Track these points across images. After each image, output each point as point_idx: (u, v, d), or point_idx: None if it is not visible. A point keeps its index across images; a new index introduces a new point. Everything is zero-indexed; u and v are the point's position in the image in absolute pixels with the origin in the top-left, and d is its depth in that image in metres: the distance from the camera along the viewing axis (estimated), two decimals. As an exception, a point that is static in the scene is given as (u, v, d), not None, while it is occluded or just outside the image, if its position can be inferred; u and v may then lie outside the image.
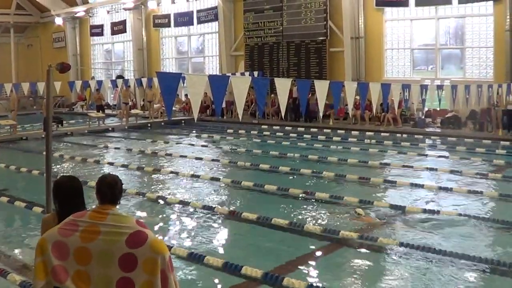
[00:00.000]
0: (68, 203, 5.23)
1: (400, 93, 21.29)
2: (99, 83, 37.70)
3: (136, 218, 4.93)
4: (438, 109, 27.86)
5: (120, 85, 35.47)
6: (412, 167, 18.00)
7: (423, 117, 28.71)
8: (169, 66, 43.50)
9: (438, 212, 12.25)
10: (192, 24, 40.56)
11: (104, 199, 4.89)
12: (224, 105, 30.43)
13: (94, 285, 4.67)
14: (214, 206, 13.07)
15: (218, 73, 36.01)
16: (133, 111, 35.22)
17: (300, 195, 14.18)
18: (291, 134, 27.13)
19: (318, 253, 10.09)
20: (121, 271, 4.65)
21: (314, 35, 33.11)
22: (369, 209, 12.81)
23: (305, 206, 13.25)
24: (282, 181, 15.79)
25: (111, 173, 5.28)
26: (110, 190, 4.91)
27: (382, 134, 26.23)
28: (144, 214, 12.81)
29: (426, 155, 20.75)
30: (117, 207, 4.97)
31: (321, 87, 17.09)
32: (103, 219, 4.75)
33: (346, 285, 8.47)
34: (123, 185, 5.12)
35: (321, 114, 18.30)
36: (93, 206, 5.07)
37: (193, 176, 17.04)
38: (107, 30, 46.83)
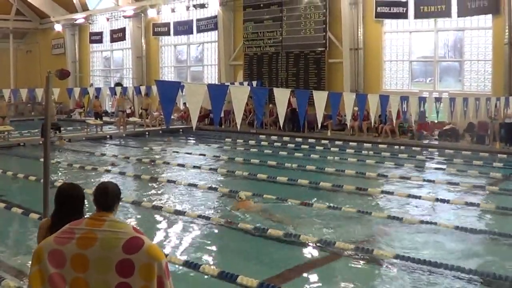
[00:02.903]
0: (65, 210, 5.25)
1: (399, 104, 21.32)
2: (98, 90, 37.67)
3: (132, 225, 4.94)
4: (436, 121, 27.88)
5: (119, 93, 35.46)
6: (409, 178, 18.03)
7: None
8: (168, 74, 43.52)
9: (435, 223, 12.26)
10: (192, 33, 40.58)
11: (99, 206, 4.91)
12: (222, 114, 30.46)
13: None
14: (210, 215, 13.05)
15: (216, 82, 36.02)
16: (131, 119, 35.24)
17: (298, 205, 14.17)
18: (289, 144, 27.17)
19: (314, 264, 10.09)
20: (118, 276, 4.65)
21: (313, 46, 33.15)
22: (366, 219, 12.86)
23: (302, 216, 13.25)
24: (279, 191, 15.77)
25: (107, 181, 5.28)
26: (102, 197, 4.93)
27: (380, 145, 26.24)
28: (140, 222, 12.78)
29: (424, 167, 20.79)
30: (115, 214, 4.98)
31: (320, 98, 17.11)
32: (100, 225, 4.76)
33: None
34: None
35: (319, 125, 18.24)
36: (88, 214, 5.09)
37: (190, 185, 17.03)
38: (106, 37, 46.85)
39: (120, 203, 5.13)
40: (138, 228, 4.93)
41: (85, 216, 5.06)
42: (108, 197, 4.94)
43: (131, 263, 4.67)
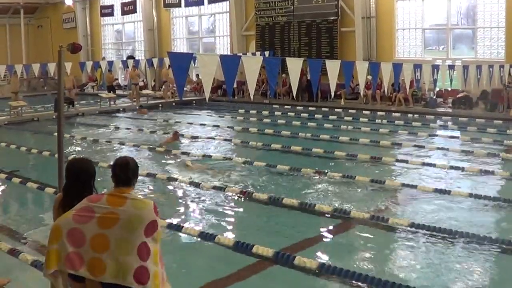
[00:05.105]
0: (75, 184, 5.26)
1: (412, 73, 21.23)
2: (110, 63, 37.64)
3: (153, 203, 4.94)
4: (449, 89, 27.76)
5: (131, 66, 35.38)
6: (423, 146, 18.02)
7: (434, 97, 28.64)
8: (180, 46, 43.36)
9: (449, 191, 12.25)
10: (203, 4, 40.16)
11: (118, 181, 4.91)
12: (235, 85, 30.42)
13: (109, 273, 4.68)
14: (225, 186, 13.10)
15: (229, 53, 35.89)
16: (144, 92, 35.22)
17: (312, 175, 14.21)
18: (302, 114, 27.12)
19: (329, 233, 10.13)
20: (139, 259, 4.68)
21: (325, 15, 32.90)
22: (381, 188, 12.88)
23: (316, 186, 13.30)
24: (294, 161, 15.80)
25: (126, 155, 5.28)
26: (122, 171, 4.92)
27: (394, 114, 26.16)
28: (155, 194, 12.83)
29: (437, 135, 20.76)
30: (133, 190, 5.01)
31: (333, 67, 17.06)
32: (123, 204, 4.76)
33: (357, 265, 8.48)
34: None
35: (332, 94, 18.22)
36: (104, 190, 5.09)
37: (204, 156, 17.05)
38: (117, 10, 46.52)
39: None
40: (156, 206, 4.94)
41: (104, 192, 5.05)
42: (127, 171, 4.94)
43: (148, 247, 4.72)
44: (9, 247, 8.94)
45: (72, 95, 31.03)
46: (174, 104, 33.00)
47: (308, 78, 25.66)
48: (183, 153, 17.61)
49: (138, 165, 5.11)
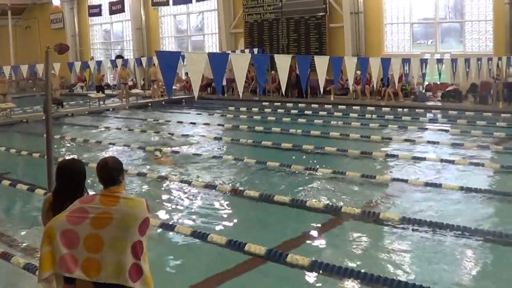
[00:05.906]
0: (66, 185, 5.22)
1: (400, 67, 21.25)
2: (99, 63, 37.55)
3: (145, 200, 4.93)
4: (438, 82, 27.84)
5: (120, 65, 35.33)
6: (413, 140, 18.07)
7: (423, 91, 28.71)
8: (169, 45, 43.31)
9: (440, 185, 12.27)
10: (191, 2, 40.14)
11: (105, 183, 4.91)
12: (224, 82, 30.40)
13: (104, 272, 4.67)
14: (216, 184, 13.09)
15: (218, 51, 35.90)
16: (133, 91, 35.17)
17: (303, 171, 14.21)
18: (292, 111, 27.15)
19: (321, 229, 10.10)
20: (133, 257, 4.67)
21: (313, 11, 32.95)
22: (371, 183, 12.90)
23: (307, 182, 13.30)
24: (284, 158, 15.79)
25: (106, 155, 5.28)
26: (104, 172, 4.91)
27: (383, 108, 26.21)
28: (145, 193, 12.80)
29: (427, 129, 20.78)
30: (125, 186, 5.00)
31: (321, 63, 17.05)
32: (116, 203, 4.75)
33: (349, 260, 8.47)
34: (123, 165, 5.10)
35: (321, 90, 18.22)
36: (92, 192, 5.07)
37: (194, 154, 17.04)
38: (105, 10, 46.41)
39: (126, 175, 5.12)
40: (148, 204, 4.94)
41: (96, 193, 5.04)
42: (109, 170, 4.92)
43: (142, 245, 4.73)
44: (1, 251, 8.90)
45: (58, 96, 30.92)
46: (163, 103, 32.96)
47: (298, 74, 25.66)
48: (174, 152, 17.58)
49: (121, 162, 5.09)
